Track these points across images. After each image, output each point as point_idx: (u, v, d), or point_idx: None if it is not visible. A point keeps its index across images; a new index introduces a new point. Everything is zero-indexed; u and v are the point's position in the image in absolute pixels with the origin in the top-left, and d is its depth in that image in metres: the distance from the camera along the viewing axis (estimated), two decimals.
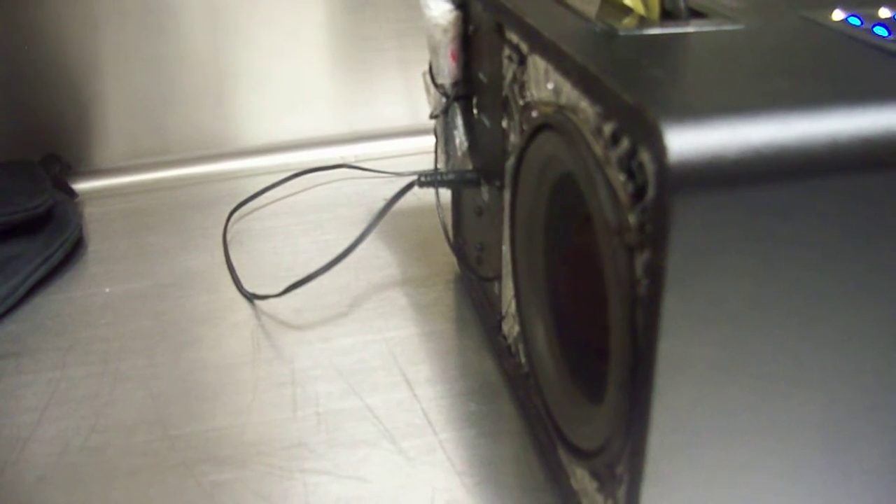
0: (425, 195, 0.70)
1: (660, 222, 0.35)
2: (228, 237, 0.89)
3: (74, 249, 0.87)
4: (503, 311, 0.64)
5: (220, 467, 0.60)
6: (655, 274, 0.36)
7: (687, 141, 0.34)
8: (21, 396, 0.67)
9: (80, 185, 1.01)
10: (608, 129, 0.40)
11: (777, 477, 0.43)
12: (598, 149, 0.41)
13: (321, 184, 0.99)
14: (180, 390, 0.67)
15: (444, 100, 0.69)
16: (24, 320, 0.77)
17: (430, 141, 0.75)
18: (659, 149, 0.34)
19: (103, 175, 1.03)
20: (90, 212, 0.96)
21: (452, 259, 0.81)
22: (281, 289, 0.74)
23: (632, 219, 0.38)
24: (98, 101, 1.02)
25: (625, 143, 0.38)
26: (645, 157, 0.36)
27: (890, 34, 0.46)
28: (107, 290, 0.81)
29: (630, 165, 0.38)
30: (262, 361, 0.69)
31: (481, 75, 0.64)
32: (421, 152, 1.03)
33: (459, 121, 0.69)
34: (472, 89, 0.68)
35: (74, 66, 0.99)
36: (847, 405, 0.42)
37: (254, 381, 0.67)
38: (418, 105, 1.08)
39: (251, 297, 0.78)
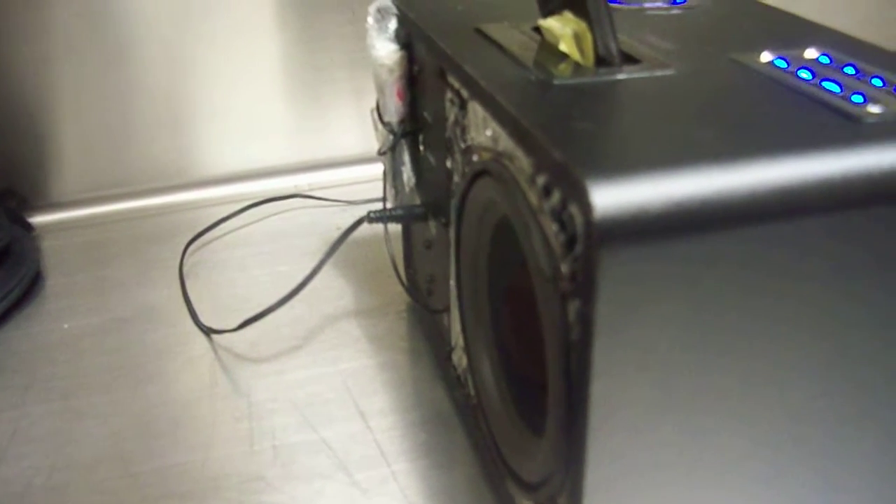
0: (377, 225, 0.72)
1: (588, 273, 0.37)
2: (185, 269, 0.90)
3: (32, 284, 0.88)
4: (453, 342, 0.66)
5: (180, 503, 0.61)
6: (586, 322, 0.38)
7: (611, 197, 0.35)
8: None
9: (37, 219, 1.01)
10: (541, 180, 0.42)
11: None
12: (532, 198, 0.43)
13: (276, 213, 1.01)
14: (140, 426, 0.68)
15: (391, 137, 0.70)
16: None
17: (382, 168, 0.77)
18: (585, 206, 0.35)
19: (60, 208, 1.04)
20: (47, 245, 0.97)
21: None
22: (237, 321, 0.75)
23: (564, 267, 0.40)
24: (53, 135, 1.02)
25: (556, 196, 0.40)
26: (574, 210, 0.38)
27: (813, 77, 0.48)
28: (65, 325, 0.82)
29: (562, 217, 0.39)
30: (220, 396, 0.71)
31: (426, 114, 0.66)
32: (374, 179, 1.02)
33: (407, 157, 0.70)
34: (418, 126, 0.69)
35: (29, 100, 1.00)
36: (775, 438, 0.44)
37: (212, 415, 0.69)
38: (371, 133, 1.09)
39: (208, 332, 0.79)
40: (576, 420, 0.41)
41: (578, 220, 0.38)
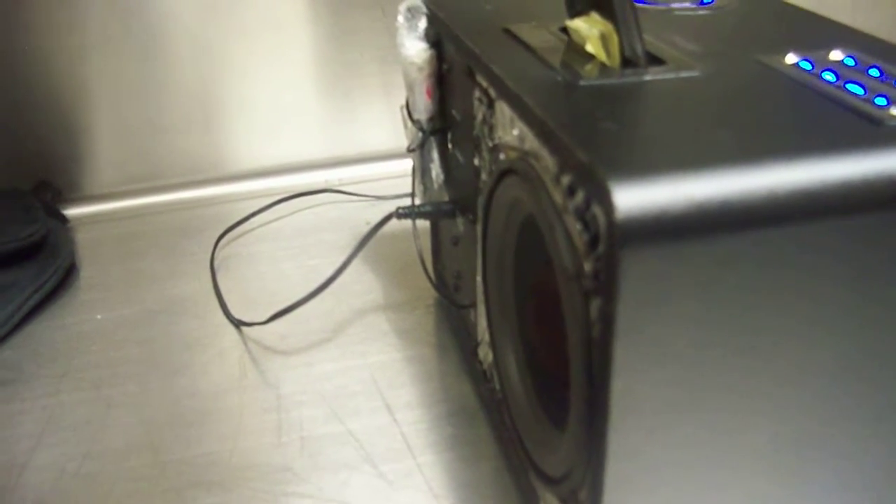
0: (406, 221, 0.73)
1: (610, 273, 0.37)
2: (216, 262, 0.91)
3: (67, 276, 0.89)
4: (478, 337, 0.67)
5: (208, 492, 0.62)
6: (607, 320, 0.38)
7: (633, 199, 0.36)
8: (17, 423, 0.69)
9: (72, 211, 1.03)
10: (566, 180, 0.42)
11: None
12: (557, 197, 0.43)
13: (306, 208, 1.02)
14: (170, 416, 0.69)
15: (420, 134, 0.71)
16: (19, 347, 0.79)
17: (411, 164, 0.78)
18: (607, 206, 0.36)
19: (94, 201, 1.06)
20: (82, 237, 0.98)
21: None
22: (267, 314, 0.76)
23: (587, 266, 0.40)
24: (87, 129, 1.04)
25: (580, 196, 0.41)
26: (597, 210, 0.39)
27: (837, 80, 0.48)
28: (98, 316, 0.83)
29: (585, 216, 0.40)
30: (249, 387, 0.72)
31: (455, 112, 0.66)
32: (403, 175, 1.02)
33: (435, 154, 0.71)
34: (447, 124, 0.70)
35: (64, 95, 1.02)
36: (791, 437, 0.44)
37: (240, 406, 0.70)
38: (401, 129, 1.09)
39: (238, 324, 0.80)
40: (596, 416, 0.41)
41: (601, 220, 0.38)
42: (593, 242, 0.40)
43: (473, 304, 0.67)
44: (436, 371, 0.73)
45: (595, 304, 0.40)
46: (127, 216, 1.04)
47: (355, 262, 0.75)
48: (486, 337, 0.63)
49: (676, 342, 0.39)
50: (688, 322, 0.39)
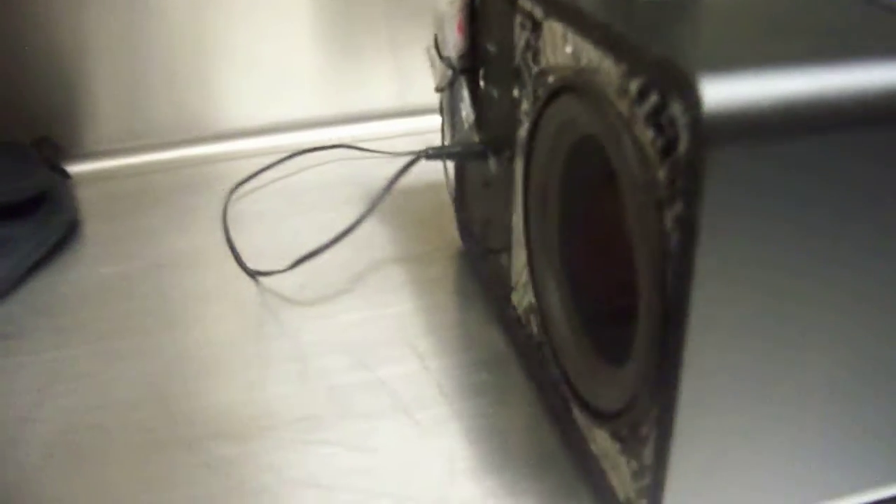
0: (423, 174, 0.71)
1: (692, 175, 0.35)
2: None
3: (69, 231, 0.87)
4: (513, 281, 0.64)
5: (224, 442, 0.59)
6: (687, 227, 0.36)
7: (720, 92, 0.34)
8: (24, 377, 0.66)
9: (73, 168, 0.99)
10: (634, 86, 0.40)
11: (800, 432, 0.43)
12: (623, 107, 0.41)
13: (312, 165, 0.99)
14: (182, 367, 0.67)
15: (450, 73, 0.69)
16: (22, 302, 0.76)
17: (420, 122, 0.75)
18: (693, 100, 0.34)
19: (95, 157, 1.02)
20: (85, 194, 0.95)
21: (453, 235, 0.81)
22: (279, 268, 0.74)
23: (661, 174, 0.38)
24: (87, 85, 1.01)
25: (653, 99, 0.38)
26: (676, 110, 0.36)
27: None
28: (103, 270, 0.80)
29: (659, 121, 0.38)
30: (267, 337, 0.69)
31: (489, 46, 0.64)
32: (411, 133, 1.03)
33: (465, 93, 0.69)
34: (478, 61, 0.68)
35: (62, 50, 0.99)
36: (868, 362, 0.42)
37: (258, 356, 0.67)
38: (409, 86, 1.08)
39: (254, 274, 0.77)
40: (671, 336, 0.39)
41: (681, 119, 0.36)
42: (668, 147, 0.37)
43: (506, 248, 0.65)
44: (461, 320, 0.71)
45: (670, 214, 0.37)
46: (130, 173, 1.00)
47: (373, 216, 0.72)
48: (522, 280, 0.61)
49: (759, 253, 0.37)
50: (772, 230, 0.37)
